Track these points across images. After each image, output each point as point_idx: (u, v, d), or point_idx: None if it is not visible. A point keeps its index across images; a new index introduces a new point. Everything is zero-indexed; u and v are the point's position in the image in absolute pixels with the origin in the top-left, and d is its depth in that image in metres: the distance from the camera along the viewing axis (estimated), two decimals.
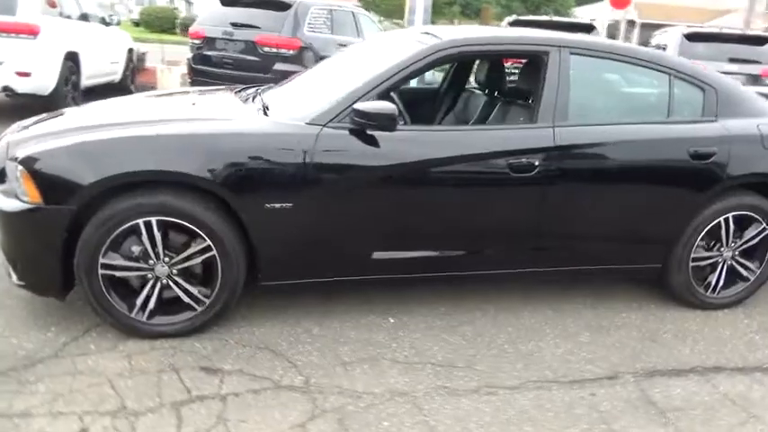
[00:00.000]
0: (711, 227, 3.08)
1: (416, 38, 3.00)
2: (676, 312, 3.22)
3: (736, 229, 3.13)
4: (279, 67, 6.91)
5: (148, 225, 2.47)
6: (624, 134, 2.87)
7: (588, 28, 7.87)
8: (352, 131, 2.61)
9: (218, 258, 2.57)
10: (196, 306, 2.63)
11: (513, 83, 3.40)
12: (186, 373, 2.44)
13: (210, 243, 2.54)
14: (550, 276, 3.13)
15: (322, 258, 2.74)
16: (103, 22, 8.44)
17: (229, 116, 2.80)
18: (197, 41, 7.33)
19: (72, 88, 7.17)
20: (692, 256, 3.12)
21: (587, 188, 2.87)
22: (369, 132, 2.60)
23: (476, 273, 2.93)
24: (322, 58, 7.30)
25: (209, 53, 7.25)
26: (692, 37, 7.89)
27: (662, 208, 2.98)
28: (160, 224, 2.48)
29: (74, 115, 3.03)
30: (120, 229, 2.45)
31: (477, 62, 3.71)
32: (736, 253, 3.20)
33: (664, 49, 7.73)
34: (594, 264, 3.06)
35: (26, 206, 2.41)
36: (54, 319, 2.73)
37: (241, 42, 7.02)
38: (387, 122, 2.48)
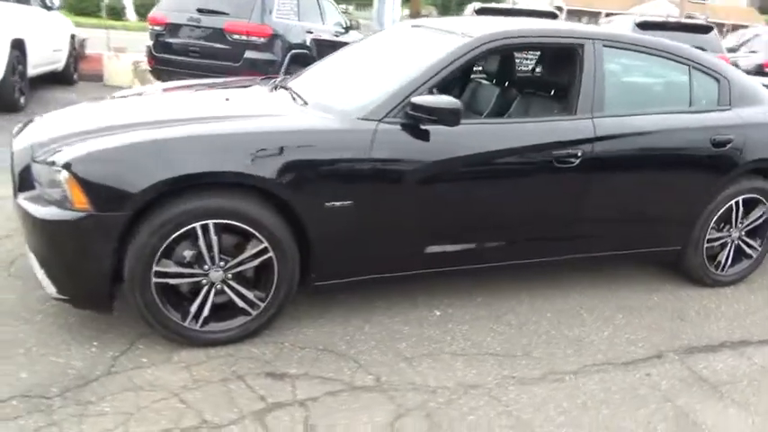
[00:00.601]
0: (724, 209, 3.28)
1: (447, 31, 3.00)
2: (692, 291, 3.42)
3: (744, 210, 3.35)
4: (250, 55, 6.69)
5: (205, 229, 2.35)
6: (654, 124, 3.00)
7: (552, 15, 8.09)
8: (404, 126, 2.58)
9: (274, 260, 2.49)
10: (251, 310, 2.54)
11: (528, 75, 3.46)
12: (253, 380, 2.36)
13: (268, 245, 2.45)
14: (584, 263, 3.23)
15: (378, 255, 2.71)
16: (44, 5, 7.85)
17: (278, 112, 2.69)
18: (158, 28, 6.94)
19: (19, 78, 6.65)
20: (707, 237, 3.32)
21: (622, 176, 2.98)
22: (422, 127, 2.58)
23: (520, 262, 2.99)
24: (292, 46, 7.17)
25: (173, 40, 6.89)
26: (644, 26, 8.27)
27: (686, 193, 3.15)
28: (217, 227, 2.37)
29: (98, 112, 2.83)
30: (176, 234, 2.32)
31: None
32: (743, 233, 3.42)
33: None
34: (623, 249, 3.19)
35: (73, 214, 2.23)
36: (92, 333, 2.56)
37: (208, 29, 6.71)
38: (450, 117, 2.47)
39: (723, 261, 3.44)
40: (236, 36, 6.63)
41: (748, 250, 3.48)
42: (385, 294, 3.03)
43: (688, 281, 3.48)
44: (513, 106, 3.33)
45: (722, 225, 3.37)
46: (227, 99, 2.94)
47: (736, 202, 3.30)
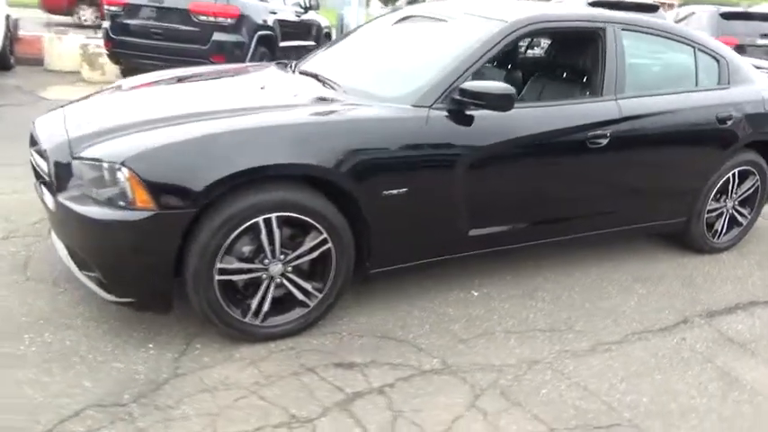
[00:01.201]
0: (723, 181, 3.52)
1: (474, 14, 3.03)
2: (692, 259, 3.66)
3: (738, 182, 3.62)
4: (218, 37, 6.47)
5: (268, 222, 2.31)
6: (669, 103, 3.17)
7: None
8: (450, 112, 2.60)
9: (333, 250, 2.47)
10: (309, 302, 2.52)
11: (545, 59, 3.53)
12: (324, 371, 2.36)
13: (327, 236, 2.43)
14: (600, 238, 3.38)
15: (427, 241, 2.74)
16: None
17: (326, 100, 2.64)
18: (115, 8, 6.56)
19: None
20: (708, 207, 3.56)
21: (641, 154, 3.14)
22: (467, 112, 2.62)
23: (555, 239, 3.11)
24: (258, 27, 6.97)
25: (132, 22, 6.54)
26: (596, 3, 8.55)
27: (694, 167, 3.36)
28: (279, 220, 2.33)
29: (125, 103, 2.69)
30: (240, 229, 2.26)
31: None
32: (736, 203, 3.70)
33: None
34: (639, 222, 3.37)
35: (136, 214, 2.13)
36: (142, 336, 2.46)
37: (171, 10, 6.41)
38: (503, 102, 2.51)
39: (719, 229, 3.70)
40: (202, 17, 6.39)
41: (740, 218, 3.76)
42: (418, 280, 3.06)
43: (685, 249, 3.73)
44: (540, 90, 3.41)
45: (719, 196, 3.62)
46: (262, 87, 2.86)
47: (733, 174, 3.55)
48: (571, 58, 3.34)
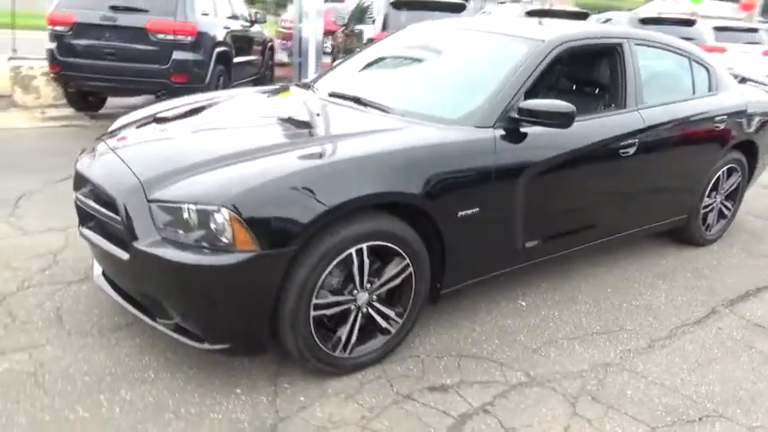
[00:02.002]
0: (715, 178, 3.85)
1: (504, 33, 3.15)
2: (689, 253, 3.97)
3: (726, 178, 3.97)
4: (178, 56, 6.18)
5: (360, 253, 2.28)
6: (679, 110, 3.44)
7: (459, 8, 8.47)
8: (508, 131, 2.68)
9: (413, 275, 2.48)
10: (391, 329, 2.51)
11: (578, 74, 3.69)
12: (421, 397, 2.36)
13: (409, 261, 2.44)
14: (629, 238, 3.59)
15: (491, 257, 2.80)
16: None
17: (387, 126, 2.62)
18: (60, 28, 6.11)
19: None
20: (703, 203, 3.88)
21: (660, 158, 3.38)
22: (522, 129, 2.71)
23: (591, 244, 3.27)
24: (217, 43, 6.74)
25: (82, 42, 6.11)
26: (532, 13, 9.02)
27: (697, 168, 3.66)
28: (369, 250, 2.31)
29: (181, 135, 2.58)
30: (335, 262, 2.23)
31: None
32: (723, 197, 4.05)
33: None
34: (652, 222, 3.62)
35: (237, 256, 2.03)
36: (223, 381, 2.36)
37: (126, 29, 6.06)
38: (565, 120, 2.61)
39: (711, 222, 4.04)
40: (160, 35, 6.09)
41: (726, 212, 4.13)
42: (463, 295, 3.10)
43: (681, 244, 4.03)
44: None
45: (711, 192, 3.95)
46: (318, 114, 2.80)
47: (723, 172, 3.89)
48: (594, 72, 3.53)
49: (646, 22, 10.06)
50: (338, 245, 2.20)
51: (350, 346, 2.41)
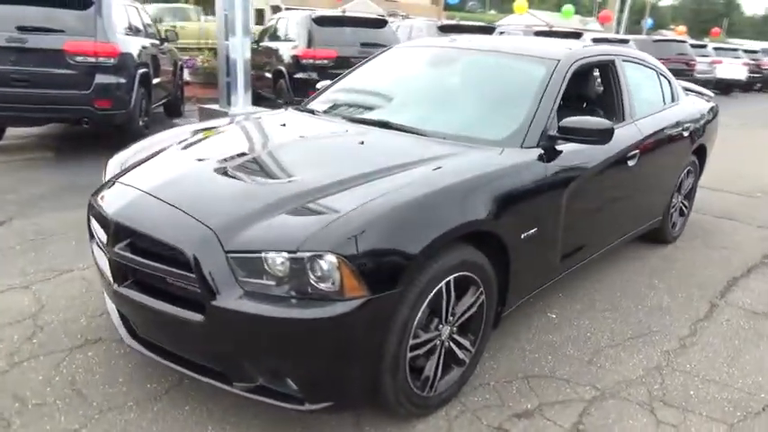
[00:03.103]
0: (679, 180, 4.19)
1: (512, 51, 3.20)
2: (661, 251, 4.26)
3: (686, 178, 4.33)
4: (101, 79, 5.62)
5: (448, 286, 2.18)
6: (662, 120, 3.71)
7: (381, 24, 8.49)
8: (545, 149, 2.71)
9: (485, 302, 2.43)
10: (465, 359, 2.43)
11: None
12: (512, 425, 2.31)
13: (483, 288, 2.38)
14: (624, 242, 3.78)
15: (541, 274, 2.81)
16: None
17: (449, 151, 2.54)
18: None
19: None
20: (672, 203, 4.20)
21: (652, 165, 3.59)
22: (557, 147, 2.76)
23: (604, 250, 3.40)
24: (138, 64, 6.20)
25: None
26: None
27: (672, 171, 3.95)
28: (455, 282, 2.21)
29: (240, 168, 2.35)
30: (428, 298, 2.11)
31: None
32: (682, 196, 4.41)
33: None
34: (642, 224, 3.84)
35: (347, 305, 1.85)
36: None
37: (40, 52, 5.38)
38: (604, 136, 2.68)
39: (675, 221, 4.38)
40: (80, 58, 5.49)
41: (684, 209, 4.50)
42: None
43: (652, 244, 4.32)
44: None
45: (674, 193, 4.29)
46: (361, 143, 2.64)
47: (684, 173, 4.24)
48: (595, 88, 3.67)
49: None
50: (432, 280, 2.09)
51: (435, 384, 2.29)
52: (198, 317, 1.93)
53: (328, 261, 1.84)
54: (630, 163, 3.29)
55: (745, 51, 20.22)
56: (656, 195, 3.89)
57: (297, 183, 2.21)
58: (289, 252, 1.85)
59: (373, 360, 1.98)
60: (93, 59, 5.54)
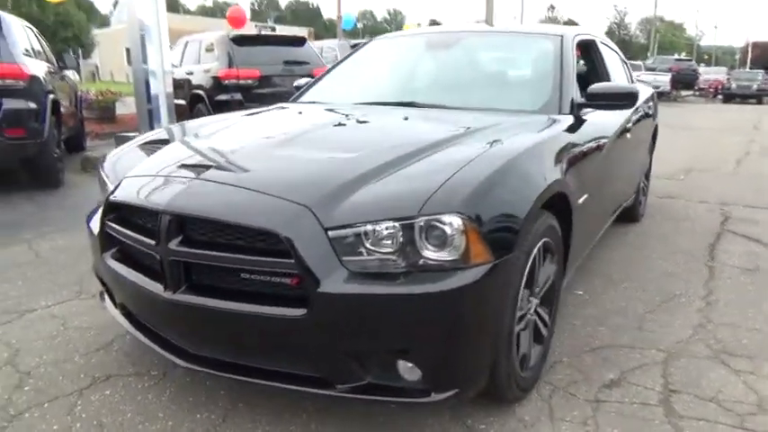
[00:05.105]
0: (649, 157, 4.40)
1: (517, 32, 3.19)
2: (635, 228, 4.42)
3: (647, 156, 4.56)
4: (10, 105, 4.92)
5: (539, 252, 2.04)
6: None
7: (300, 42, 8.29)
8: (576, 117, 2.68)
9: (557, 271, 2.31)
10: (545, 334, 2.29)
11: None
12: (609, 396, 2.18)
13: (557, 256, 2.26)
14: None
15: (588, 239, 2.79)
16: None
17: (497, 120, 2.41)
18: None
19: None
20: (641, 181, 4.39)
21: (637, 140, 3.73)
22: (583, 116, 2.74)
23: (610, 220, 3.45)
24: (48, 90, 5.51)
25: None
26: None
27: (645, 148, 4.14)
28: (542, 248, 2.08)
29: (301, 151, 2.06)
30: (528, 266, 1.94)
31: None
32: (644, 177, 4.63)
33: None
34: (626, 200, 3.94)
35: (475, 272, 1.64)
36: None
37: None
38: (630, 100, 2.68)
39: (641, 199, 4.58)
40: None
41: (645, 188, 4.73)
42: None
43: (623, 223, 4.47)
44: None
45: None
46: (405, 118, 2.43)
47: (647, 150, 4.47)
48: (587, 64, 3.72)
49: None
50: (531, 245, 1.93)
51: (529, 362, 2.12)
52: (298, 312, 1.62)
53: (451, 225, 1.62)
54: (628, 133, 3.38)
55: None
56: (636, 170, 4.03)
57: (372, 155, 1.96)
58: (405, 219, 1.61)
59: (493, 336, 1.78)
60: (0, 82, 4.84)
